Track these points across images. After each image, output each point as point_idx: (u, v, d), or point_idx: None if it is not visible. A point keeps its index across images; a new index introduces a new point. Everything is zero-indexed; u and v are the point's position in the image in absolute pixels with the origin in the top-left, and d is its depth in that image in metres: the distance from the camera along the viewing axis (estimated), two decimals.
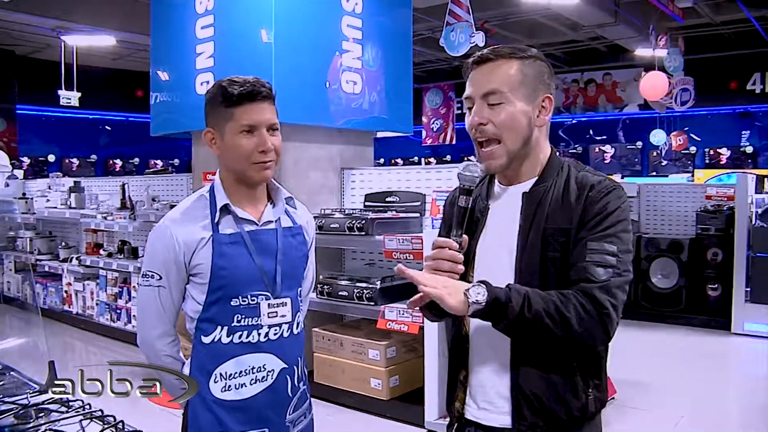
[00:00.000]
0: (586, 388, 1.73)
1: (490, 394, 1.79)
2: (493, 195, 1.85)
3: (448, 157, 16.55)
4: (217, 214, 1.98)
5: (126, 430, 1.66)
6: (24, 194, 9.64)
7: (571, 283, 1.68)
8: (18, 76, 11.63)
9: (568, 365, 1.71)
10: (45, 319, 8.20)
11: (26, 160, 13.52)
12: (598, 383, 1.76)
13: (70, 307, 8.10)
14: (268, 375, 1.99)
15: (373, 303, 4.84)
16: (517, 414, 1.73)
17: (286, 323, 2.04)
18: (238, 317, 1.96)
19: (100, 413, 1.76)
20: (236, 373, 1.96)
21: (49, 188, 9.15)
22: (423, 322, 4.59)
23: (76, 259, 8.07)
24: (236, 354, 1.96)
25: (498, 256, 1.78)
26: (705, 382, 5.79)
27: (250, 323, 1.97)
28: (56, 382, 1.98)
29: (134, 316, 7.05)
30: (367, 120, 5.82)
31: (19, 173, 10.56)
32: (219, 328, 1.96)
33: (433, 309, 1.83)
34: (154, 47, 6.19)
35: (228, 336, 1.96)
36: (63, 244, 8.64)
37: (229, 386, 1.96)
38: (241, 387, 1.97)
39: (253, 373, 1.97)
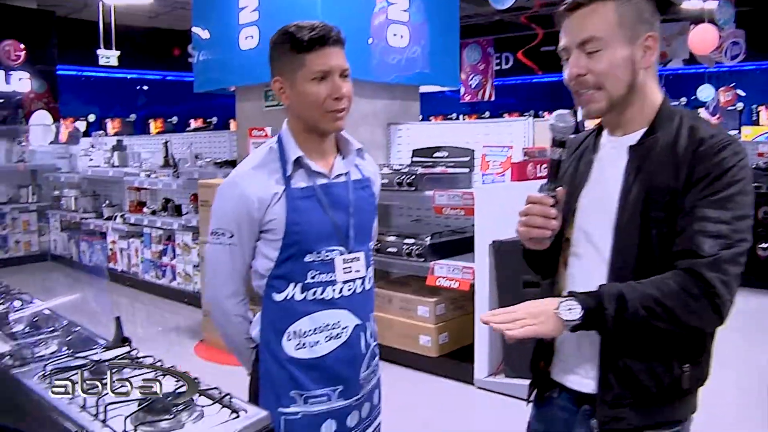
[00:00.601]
0: (681, 363, 1.59)
1: (578, 356, 1.70)
2: (599, 147, 1.73)
3: (487, 114, 16.32)
4: (290, 167, 1.91)
5: (202, 386, 1.62)
6: (67, 153, 9.73)
7: (675, 255, 1.53)
8: (58, 36, 11.62)
9: (664, 339, 1.58)
10: (90, 276, 8.31)
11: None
12: (698, 359, 1.61)
13: (115, 265, 8.19)
14: (342, 332, 1.94)
15: (422, 259, 4.79)
16: (603, 381, 1.63)
17: (359, 278, 1.99)
18: (312, 273, 1.91)
19: (174, 369, 1.73)
20: (310, 330, 1.91)
21: (92, 147, 9.19)
22: (474, 279, 4.53)
23: (120, 217, 8.13)
24: (310, 311, 1.91)
25: (598, 213, 1.65)
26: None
27: (324, 279, 1.92)
28: (123, 337, 1.97)
29: (179, 273, 7.10)
30: (413, 74, 5.72)
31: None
32: (292, 285, 1.90)
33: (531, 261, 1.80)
34: (195, 4, 6.13)
35: (302, 293, 1.91)
36: (107, 202, 8.70)
37: (303, 344, 1.92)
38: (316, 344, 1.92)
39: (327, 330, 1.92)
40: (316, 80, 1.86)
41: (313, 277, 1.92)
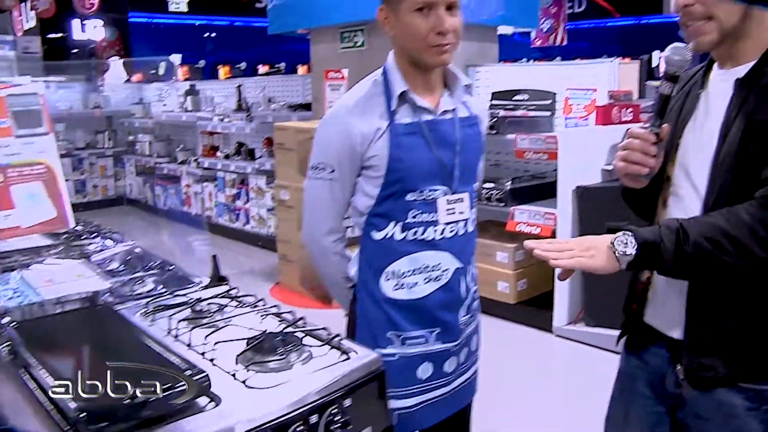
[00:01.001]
0: None
1: (668, 300, 1.60)
2: (707, 82, 1.61)
3: (558, 59, 15.86)
4: (394, 101, 1.82)
5: (307, 327, 1.58)
6: (141, 99, 9.84)
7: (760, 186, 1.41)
8: None
9: (755, 285, 1.46)
10: (166, 220, 8.46)
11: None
12: None
13: (189, 208, 8.30)
14: (442, 275, 1.88)
15: (502, 204, 4.67)
16: (690, 327, 1.54)
17: (462, 220, 1.91)
18: (413, 213, 1.84)
19: (276, 309, 1.69)
20: (409, 271, 1.85)
21: (165, 92, 9.26)
22: (555, 226, 4.42)
23: (194, 161, 8.21)
24: (410, 251, 1.85)
25: (699, 150, 1.54)
26: None
27: (426, 219, 1.85)
28: (221, 276, 1.95)
29: (252, 217, 7.15)
30: (491, 16, 5.51)
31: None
32: (392, 224, 1.85)
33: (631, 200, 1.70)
34: None
35: (402, 232, 1.85)
36: (180, 147, 8.79)
37: (402, 285, 1.86)
38: (414, 286, 1.86)
39: (426, 272, 1.86)
40: (419, 12, 1.76)
41: (414, 217, 1.85)
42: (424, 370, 1.91)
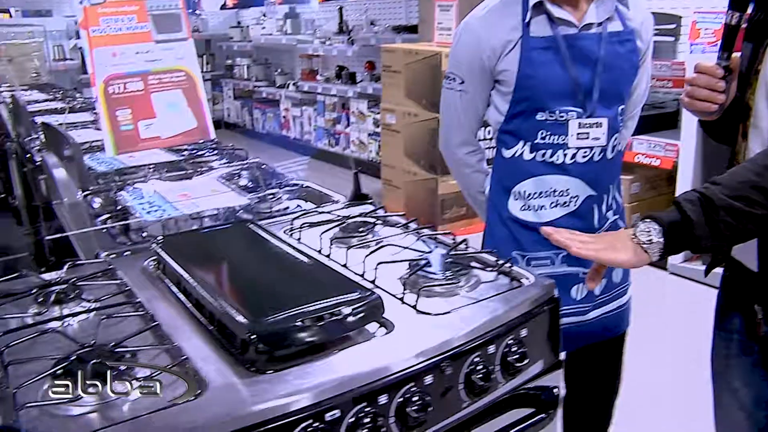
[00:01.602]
0: None
1: None
2: None
3: None
4: (529, 12, 1.65)
5: (470, 251, 1.45)
6: (239, 23, 9.77)
7: None
8: None
9: None
10: (264, 144, 8.47)
11: None
12: None
13: (288, 132, 8.27)
14: (571, 200, 1.75)
15: None
16: (762, 260, 1.42)
17: (598, 146, 1.74)
18: (542, 133, 1.71)
19: (430, 231, 1.57)
20: (535, 193, 1.75)
21: (264, 16, 9.17)
22: (677, 158, 4.15)
23: (293, 84, 8.13)
24: (537, 173, 1.74)
25: None
26: None
27: (555, 142, 1.71)
28: (362, 194, 1.84)
29: (353, 141, 7.06)
30: None
31: None
32: (521, 142, 1.74)
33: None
34: None
35: (530, 153, 1.73)
36: (279, 70, 8.72)
37: (528, 206, 1.76)
38: (540, 209, 1.76)
39: (553, 196, 1.74)
40: None
41: (543, 138, 1.71)
42: None
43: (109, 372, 0.99)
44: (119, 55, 1.63)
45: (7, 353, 1.06)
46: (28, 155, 2.73)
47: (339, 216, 1.63)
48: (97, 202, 1.90)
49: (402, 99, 5.07)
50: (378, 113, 6.19)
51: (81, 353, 1.03)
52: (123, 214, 1.77)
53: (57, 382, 0.98)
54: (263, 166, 2.22)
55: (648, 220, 1.31)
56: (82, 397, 0.94)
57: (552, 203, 1.75)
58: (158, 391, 0.99)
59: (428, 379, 1.10)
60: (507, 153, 1.77)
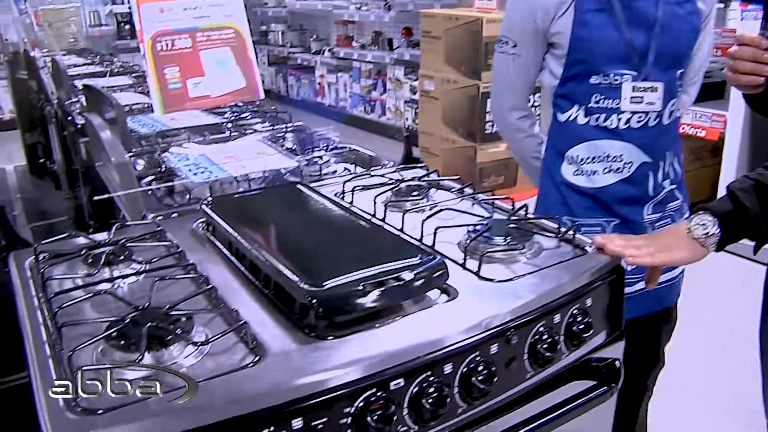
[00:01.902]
0: None
1: None
2: None
3: None
4: None
5: (529, 218, 1.40)
6: None
7: None
8: None
9: None
10: (298, 111, 8.41)
11: None
12: None
13: (322, 99, 8.20)
14: (624, 167, 1.71)
15: None
16: None
17: (653, 112, 1.67)
18: (596, 97, 1.67)
19: (486, 196, 1.51)
20: (588, 158, 1.72)
21: None
22: (725, 129, 4.01)
23: (329, 51, 8.04)
24: (590, 137, 1.71)
25: None
26: None
27: (609, 106, 1.67)
28: (413, 157, 1.79)
29: (388, 108, 6.98)
30: None
31: None
32: (575, 107, 1.70)
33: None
34: None
35: (585, 117, 1.70)
36: (314, 36, 8.63)
37: (581, 171, 1.73)
38: (593, 174, 1.72)
39: (607, 161, 1.71)
40: None
41: (596, 102, 1.67)
42: None
43: (165, 335, 0.95)
44: (167, 11, 1.59)
45: (61, 314, 1.02)
46: (69, 118, 2.71)
47: (391, 179, 1.58)
48: (141, 164, 1.86)
49: (441, 65, 4.97)
50: (415, 80, 6.10)
51: (135, 316, 0.99)
52: (168, 175, 1.73)
53: (112, 345, 0.95)
54: (308, 130, 2.16)
55: (701, 213, 1.29)
56: (137, 360, 0.90)
57: (605, 169, 1.71)
58: (216, 356, 0.95)
59: (494, 349, 1.06)
60: (561, 117, 1.74)
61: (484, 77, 4.32)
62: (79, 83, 3.02)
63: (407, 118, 6.60)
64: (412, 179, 1.58)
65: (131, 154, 1.87)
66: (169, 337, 0.95)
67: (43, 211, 3.80)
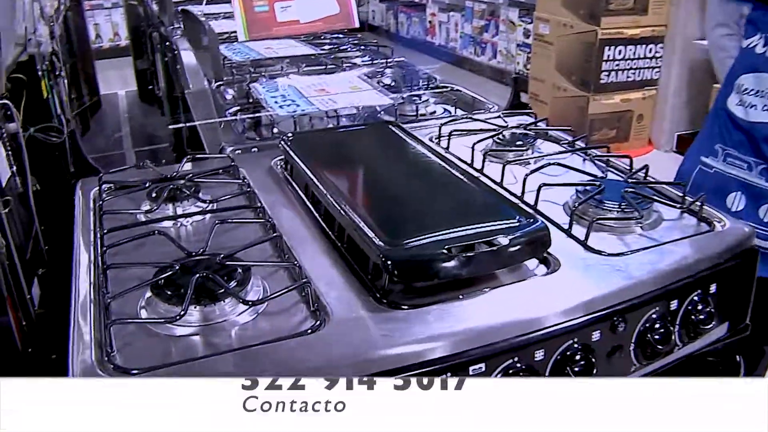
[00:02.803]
0: None
1: None
2: None
3: None
4: None
5: (649, 182, 1.20)
6: None
7: None
8: None
9: None
10: (407, 49, 8.21)
11: None
12: None
13: (432, 38, 7.94)
14: None
15: None
16: None
17: None
18: None
19: (600, 152, 1.32)
20: (753, 90, 1.63)
21: None
22: None
23: None
24: (761, 69, 1.61)
25: None
26: None
27: None
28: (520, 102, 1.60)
29: (500, 51, 6.68)
30: None
31: None
32: (758, 35, 1.62)
33: None
34: None
35: (763, 47, 1.61)
36: None
37: (742, 102, 1.64)
38: (751, 108, 1.63)
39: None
40: None
41: None
42: (734, 200, 1.68)
43: (216, 289, 0.84)
44: None
45: (109, 254, 0.93)
46: (167, 44, 2.64)
47: (494, 126, 1.41)
48: (230, 93, 1.76)
49: (558, 8, 4.66)
50: (529, 23, 5.79)
51: (187, 263, 0.88)
52: (254, 107, 1.62)
53: (157, 294, 0.84)
54: (409, 66, 2.01)
55: None
56: (183, 315, 0.79)
57: (764, 106, 1.61)
58: (272, 317, 0.83)
59: (596, 335, 0.89)
60: (744, 43, 1.68)
61: (604, 23, 4.01)
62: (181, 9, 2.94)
63: (518, 62, 6.29)
64: (517, 127, 1.40)
65: (221, 82, 1.77)
66: (221, 291, 0.83)
67: (148, 136, 3.82)
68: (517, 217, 0.94)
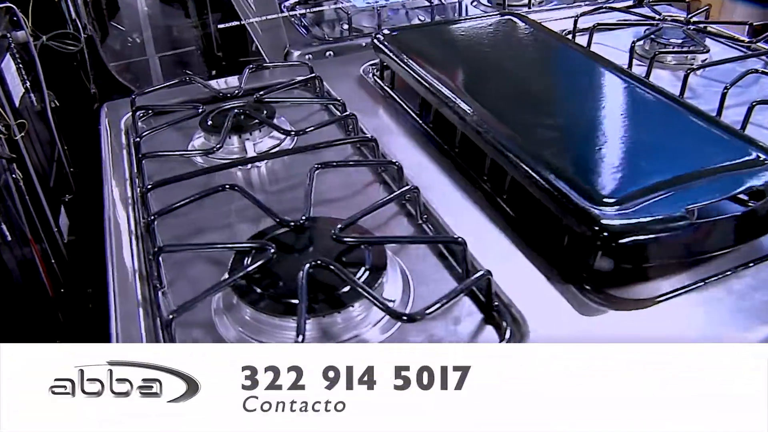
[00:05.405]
0: None
1: None
2: None
3: None
4: None
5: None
6: None
7: None
8: None
9: None
10: None
11: None
12: None
13: None
14: None
15: None
16: None
17: None
18: None
19: None
20: None
21: None
22: None
23: None
24: None
25: None
26: None
27: None
28: None
29: None
30: None
31: None
32: None
33: None
34: None
35: None
36: None
37: None
38: None
39: None
40: None
41: None
42: None
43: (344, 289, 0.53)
44: None
45: (159, 225, 0.62)
46: None
47: (645, 18, 1.06)
48: None
49: None
50: None
51: (282, 237, 0.57)
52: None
53: (243, 295, 0.54)
54: None
55: None
56: (300, 340, 0.49)
57: None
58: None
59: None
60: None
61: None
62: None
63: None
64: (678, 20, 1.05)
65: None
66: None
67: (172, 41, 3.46)
68: (761, 156, 0.62)
